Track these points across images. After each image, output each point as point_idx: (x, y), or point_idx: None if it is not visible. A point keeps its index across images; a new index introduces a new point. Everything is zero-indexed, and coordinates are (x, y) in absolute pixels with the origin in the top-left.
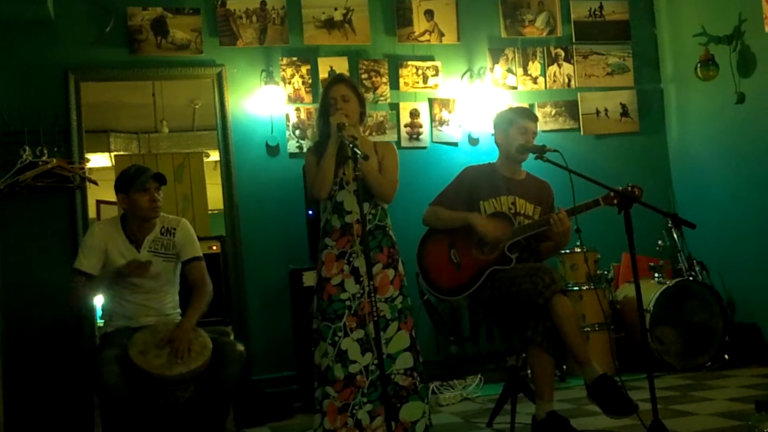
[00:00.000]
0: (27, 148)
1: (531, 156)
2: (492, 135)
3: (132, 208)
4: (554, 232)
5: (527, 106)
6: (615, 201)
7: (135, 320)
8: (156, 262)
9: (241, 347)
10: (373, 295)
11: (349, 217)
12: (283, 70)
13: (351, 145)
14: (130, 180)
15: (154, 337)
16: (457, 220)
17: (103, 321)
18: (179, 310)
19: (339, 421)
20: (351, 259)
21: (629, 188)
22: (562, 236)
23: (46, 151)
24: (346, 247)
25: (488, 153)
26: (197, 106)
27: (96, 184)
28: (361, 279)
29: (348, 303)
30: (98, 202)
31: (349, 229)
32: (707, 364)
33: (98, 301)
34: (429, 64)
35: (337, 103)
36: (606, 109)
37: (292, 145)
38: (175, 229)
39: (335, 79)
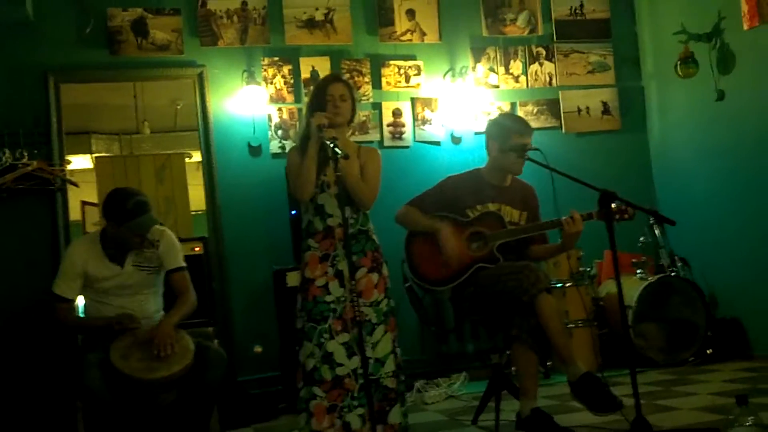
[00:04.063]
0: (6, 151)
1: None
2: (478, 136)
3: (119, 237)
4: (567, 233)
5: (509, 106)
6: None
7: None
8: (140, 275)
9: (222, 350)
10: (356, 299)
11: (330, 220)
12: (265, 70)
13: (332, 146)
14: (126, 216)
15: (136, 340)
16: (425, 226)
17: None
18: (163, 312)
19: (327, 421)
20: (335, 262)
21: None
22: (575, 238)
23: (26, 154)
24: (329, 250)
25: (471, 152)
26: (179, 107)
27: (76, 185)
28: (346, 284)
29: (333, 306)
30: (83, 203)
31: (332, 232)
32: (690, 359)
33: (79, 302)
34: (411, 63)
35: (334, 102)
36: (587, 107)
37: (274, 146)
38: (158, 241)
39: (334, 77)
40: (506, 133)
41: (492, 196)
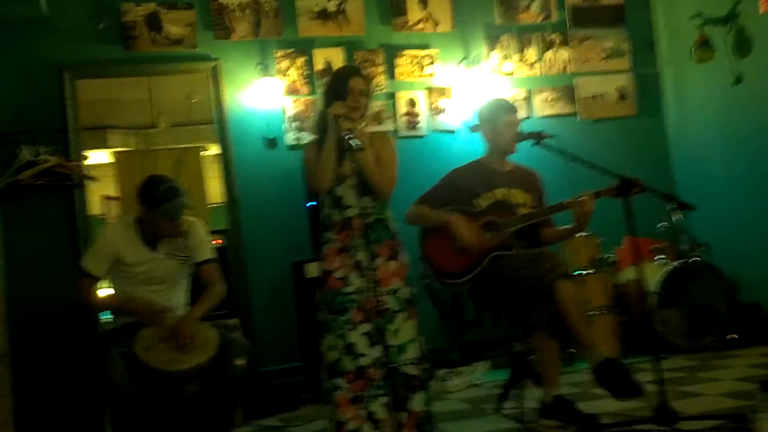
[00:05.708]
0: (24, 148)
1: (522, 143)
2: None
3: (152, 223)
4: (578, 213)
5: (525, 93)
6: (615, 193)
7: None
8: (170, 264)
9: (246, 341)
10: (376, 288)
11: (348, 211)
12: (279, 62)
13: (347, 138)
14: (157, 201)
15: (160, 332)
16: (437, 220)
17: (110, 316)
18: (188, 306)
19: (350, 412)
20: (353, 253)
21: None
22: (586, 218)
23: (44, 150)
24: (348, 241)
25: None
26: (194, 101)
27: (93, 180)
28: (365, 273)
29: (352, 297)
30: (106, 198)
31: (350, 224)
32: (711, 345)
33: (106, 292)
34: (425, 52)
35: (355, 96)
36: (603, 93)
37: (290, 137)
38: (186, 231)
39: (356, 70)
40: (496, 114)
41: (497, 182)
